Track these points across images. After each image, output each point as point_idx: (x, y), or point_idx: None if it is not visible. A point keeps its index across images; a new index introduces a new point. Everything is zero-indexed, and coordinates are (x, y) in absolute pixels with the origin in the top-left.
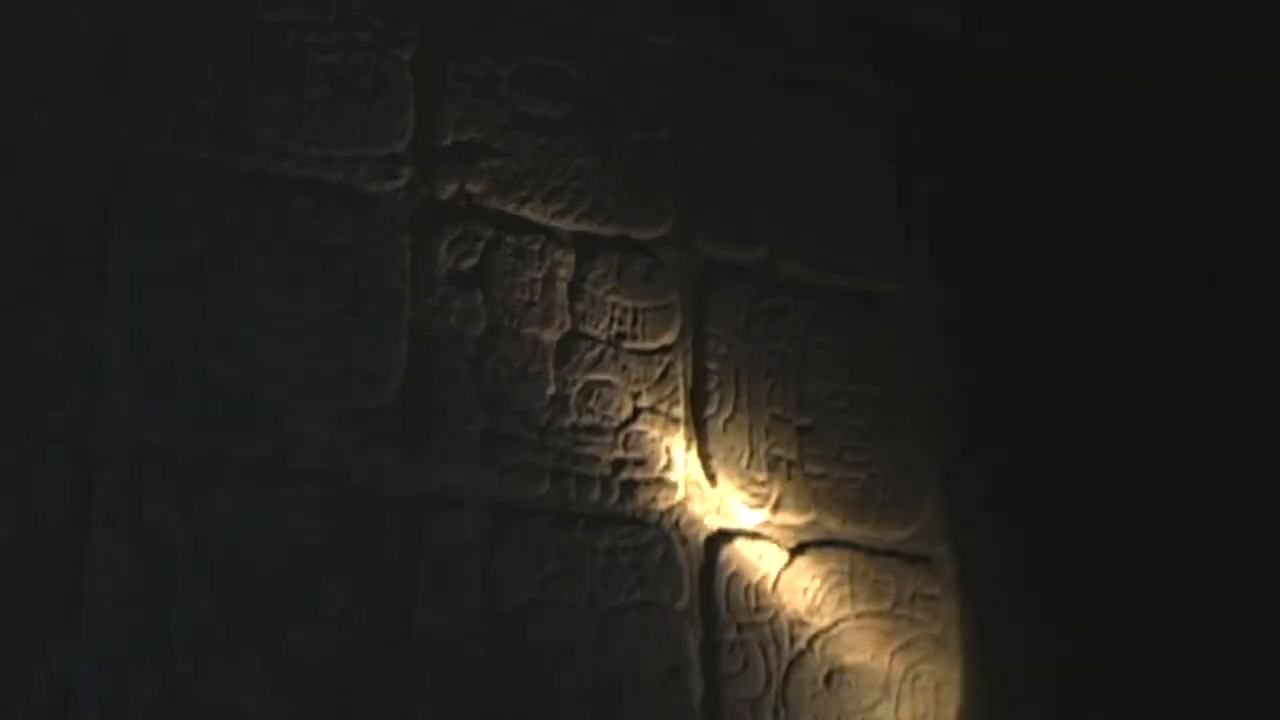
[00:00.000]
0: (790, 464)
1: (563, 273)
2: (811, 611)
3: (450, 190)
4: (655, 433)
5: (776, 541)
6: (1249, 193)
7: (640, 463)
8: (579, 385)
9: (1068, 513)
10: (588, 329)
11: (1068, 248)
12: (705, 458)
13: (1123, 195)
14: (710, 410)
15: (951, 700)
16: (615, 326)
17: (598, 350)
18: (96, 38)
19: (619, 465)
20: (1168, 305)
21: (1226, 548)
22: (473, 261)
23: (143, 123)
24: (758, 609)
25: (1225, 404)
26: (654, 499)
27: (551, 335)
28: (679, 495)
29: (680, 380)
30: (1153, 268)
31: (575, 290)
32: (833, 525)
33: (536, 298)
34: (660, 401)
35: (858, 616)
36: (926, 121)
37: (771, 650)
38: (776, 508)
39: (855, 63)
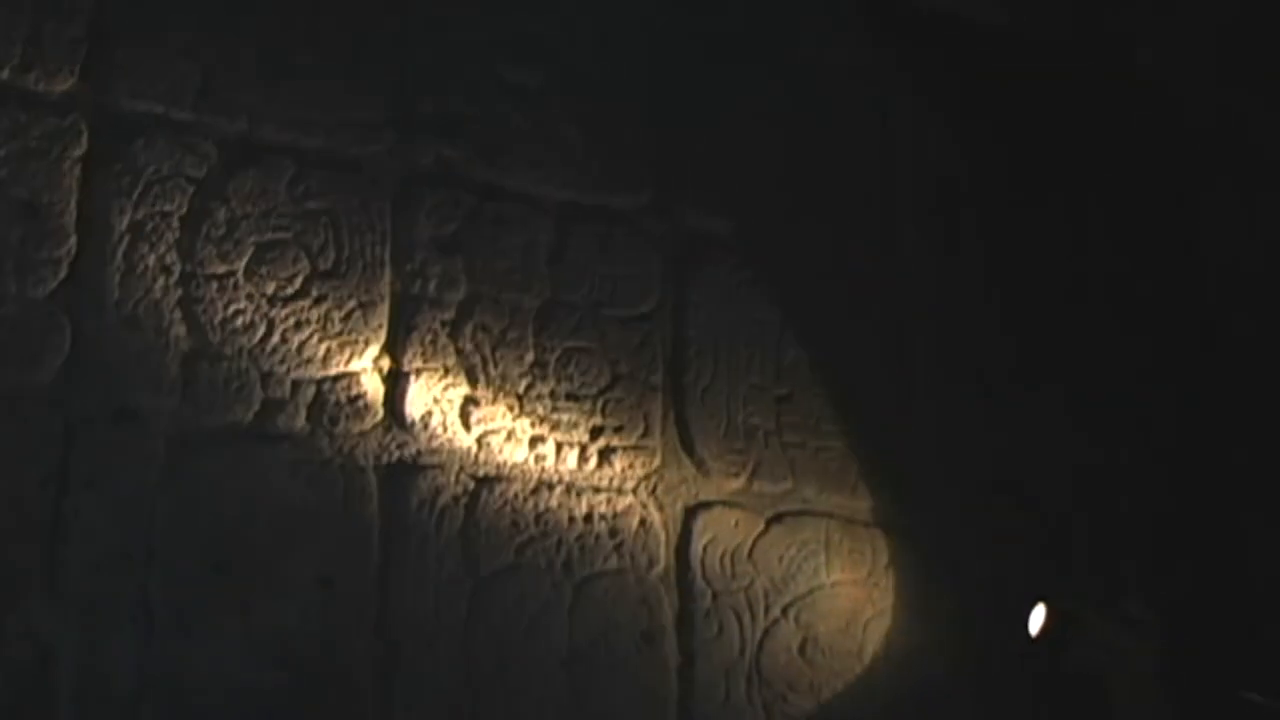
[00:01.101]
0: (768, 433)
1: (543, 240)
2: (787, 579)
3: (431, 156)
4: (633, 400)
5: (753, 510)
6: (1234, 183)
7: (618, 430)
8: (558, 352)
9: (1042, 485)
10: (567, 296)
11: (1050, 224)
12: (683, 425)
13: (1110, 174)
14: (689, 378)
15: (925, 668)
16: (595, 294)
17: (577, 317)
18: (83, 2)
19: (597, 432)
20: (1150, 285)
21: (1200, 519)
22: (453, 227)
23: (127, 85)
24: (734, 576)
25: (1203, 386)
26: (631, 466)
27: (531, 302)
28: (656, 463)
29: (659, 348)
30: (1133, 248)
31: (555, 257)
32: (809, 494)
33: (517, 264)
34: (639, 369)
35: (833, 585)
36: (910, 92)
37: (746, 618)
38: (754, 476)
39: (839, 34)
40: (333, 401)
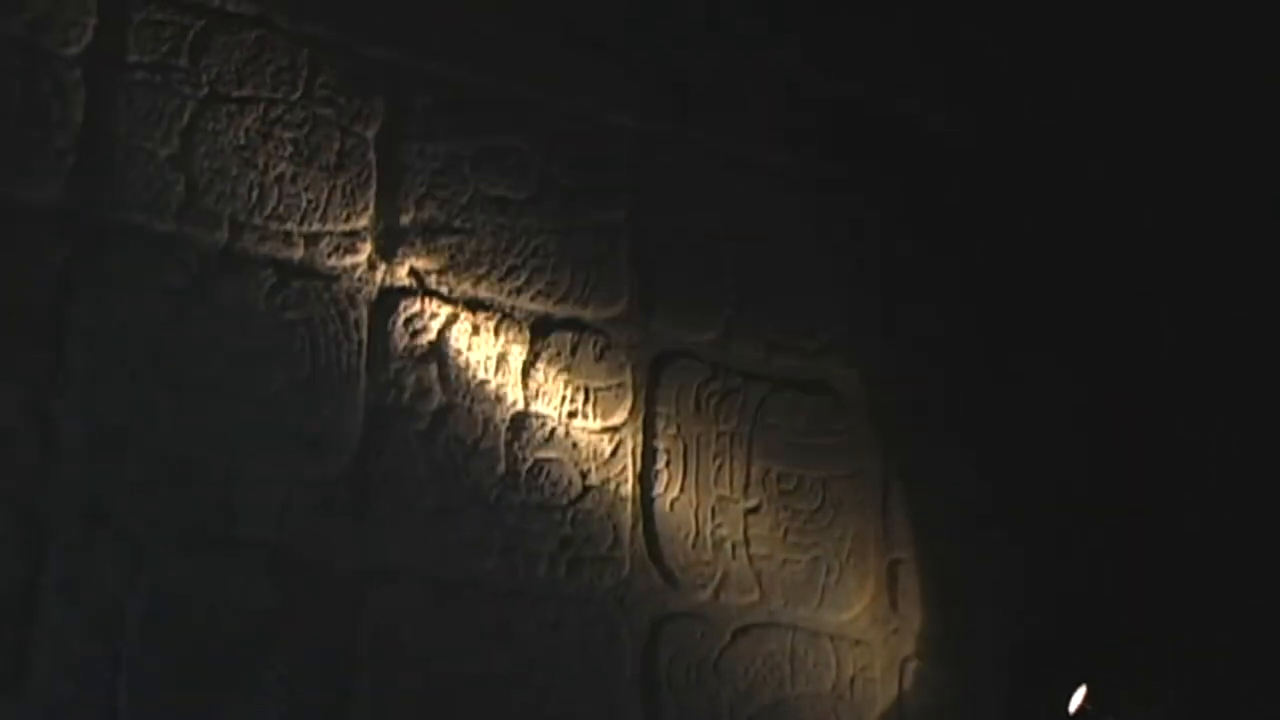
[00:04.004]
0: (735, 545)
1: (516, 350)
2: (752, 691)
3: (408, 267)
4: (603, 511)
5: (719, 621)
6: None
7: (587, 540)
8: (529, 462)
9: (1014, 601)
10: (539, 407)
11: (1019, 332)
12: (651, 537)
13: (1074, 279)
14: (658, 489)
15: None
16: (567, 405)
17: (549, 428)
18: (69, 113)
19: (566, 542)
20: (1122, 396)
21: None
22: (428, 338)
23: (110, 195)
24: (699, 688)
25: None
26: (600, 576)
27: (504, 412)
28: (624, 573)
29: (629, 459)
30: (1101, 355)
31: (528, 368)
32: (775, 607)
33: (490, 375)
34: (609, 480)
35: (797, 698)
36: (880, 204)
37: None
38: (720, 588)
39: (811, 145)
40: (304, 509)
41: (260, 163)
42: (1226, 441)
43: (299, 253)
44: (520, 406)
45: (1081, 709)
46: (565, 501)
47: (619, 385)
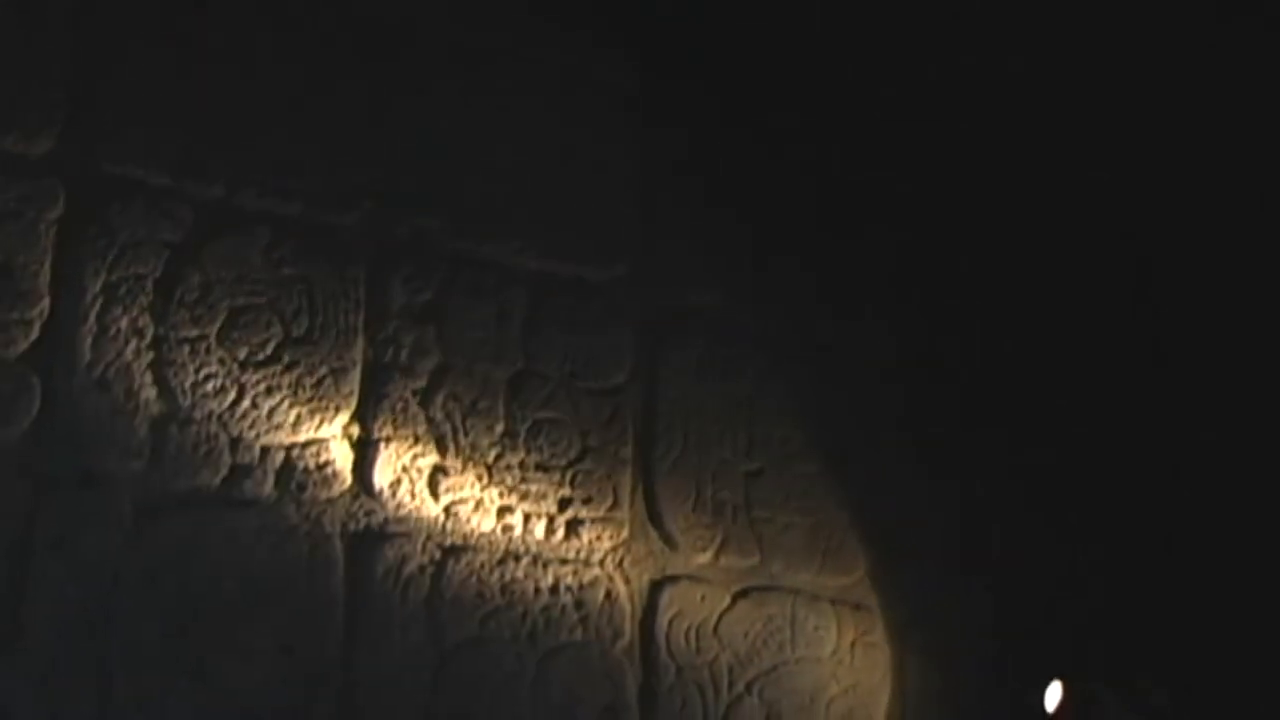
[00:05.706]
0: (736, 508)
1: (517, 310)
2: (751, 655)
3: (406, 225)
4: (602, 472)
5: (719, 584)
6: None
7: (587, 502)
8: (529, 423)
9: (1015, 567)
10: (539, 367)
11: (1017, 304)
12: (651, 499)
13: (1066, 260)
14: (658, 452)
15: None
16: (567, 365)
17: (549, 388)
18: (63, 67)
19: (565, 503)
20: (1111, 356)
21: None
22: (427, 296)
23: (106, 149)
24: (698, 651)
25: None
26: (599, 538)
27: (503, 372)
28: (624, 535)
29: (630, 421)
30: (1092, 320)
31: (529, 328)
32: (776, 569)
33: (490, 334)
34: (609, 442)
35: (797, 661)
36: (878, 178)
37: (710, 692)
38: (721, 551)
39: (809, 116)
40: (301, 468)
41: (258, 118)
42: (1220, 436)
43: (296, 209)
44: (520, 366)
45: (1062, 707)
46: (565, 462)
47: (620, 347)
